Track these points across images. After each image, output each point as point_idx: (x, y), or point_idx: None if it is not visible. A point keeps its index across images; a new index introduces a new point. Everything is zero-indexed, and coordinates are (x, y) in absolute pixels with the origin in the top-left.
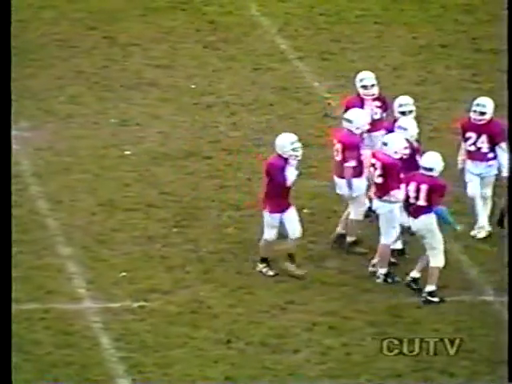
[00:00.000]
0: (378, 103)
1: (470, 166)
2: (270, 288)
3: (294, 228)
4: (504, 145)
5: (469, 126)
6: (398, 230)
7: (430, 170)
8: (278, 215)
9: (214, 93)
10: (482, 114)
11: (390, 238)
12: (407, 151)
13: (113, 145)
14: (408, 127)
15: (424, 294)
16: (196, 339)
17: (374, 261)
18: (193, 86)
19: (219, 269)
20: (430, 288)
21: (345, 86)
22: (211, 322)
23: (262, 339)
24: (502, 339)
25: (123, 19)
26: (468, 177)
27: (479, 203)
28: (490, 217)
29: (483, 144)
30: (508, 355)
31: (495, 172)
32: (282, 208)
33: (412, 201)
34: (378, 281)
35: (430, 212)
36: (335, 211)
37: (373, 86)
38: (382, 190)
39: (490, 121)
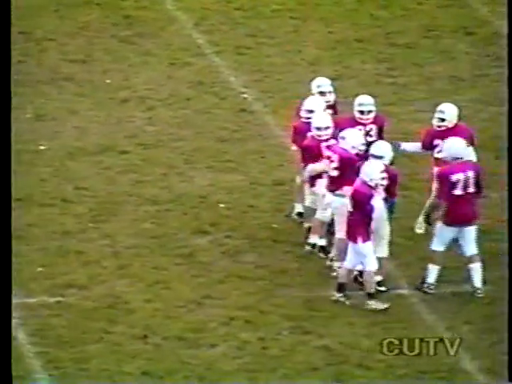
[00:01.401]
0: (329, 111)
1: None
2: (187, 283)
3: (373, 260)
4: (470, 148)
5: (435, 134)
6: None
7: (381, 158)
8: (371, 242)
9: (129, 87)
10: (442, 120)
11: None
12: (364, 147)
13: (29, 140)
14: (330, 125)
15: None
16: (112, 334)
17: (331, 255)
18: (108, 81)
19: (136, 264)
20: (377, 278)
21: (261, 81)
22: (128, 317)
23: (178, 334)
24: (417, 332)
25: (39, 14)
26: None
27: None
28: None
29: None
30: (508, 355)
31: None
32: (369, 236)
33: None
34: (335, 274)
35: (383, 201)
36: (251, 206)
37: (330, 92)
38: (336, 184)
39: (456, 126)
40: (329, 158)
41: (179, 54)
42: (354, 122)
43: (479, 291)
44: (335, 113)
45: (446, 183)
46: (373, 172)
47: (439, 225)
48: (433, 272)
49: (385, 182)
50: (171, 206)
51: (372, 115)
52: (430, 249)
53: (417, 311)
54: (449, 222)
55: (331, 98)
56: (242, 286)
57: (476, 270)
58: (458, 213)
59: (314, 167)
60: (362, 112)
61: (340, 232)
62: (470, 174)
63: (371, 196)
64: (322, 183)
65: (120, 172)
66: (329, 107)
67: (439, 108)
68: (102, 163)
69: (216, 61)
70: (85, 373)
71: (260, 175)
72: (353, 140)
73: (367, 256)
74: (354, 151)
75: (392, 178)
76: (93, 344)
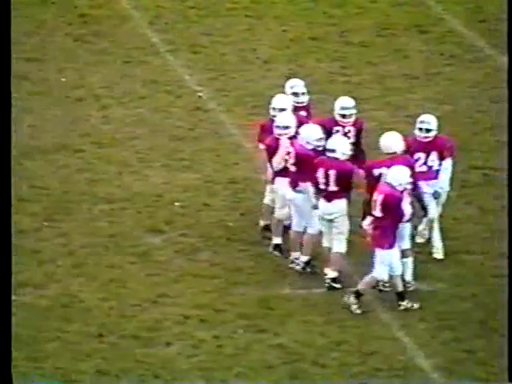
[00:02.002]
0: (303, 112)
1: (424, 187)
2: (142, 281)
3: (399, 264)
4: (449, 160)
5: (416, 147)
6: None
7: (333, 151)
8: (393, 250)
9: (84, 86)
10: (428, 131)
11: (314, 227)
12: (322, 143)
13: None
14: (290, 124)
15: (327, 281)
16: (68, 333)
17: (294, 253)
18: (63, 80)
19: (91, 262)
20: (332, 274)
21: (216, 79)
22: (83, 315)
23: (133, 332)
24: (372, 330)
25: None
26: (426, 199)
27: (436, 226)
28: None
29: (434, 162)
30: (508, 355)
31: (448, 188)
32: (394, 243)
33: (322, 187)
34: (297, 268)
35: (342, 197)
36: (206, 204)
37: (303, 94)
38: (295, 180)
39: (436, 137)
40: (289, 153)
41: (134, 53)
42: (334, 123)
43: (409, 285)
44: (309, 114)
45: (370, 177)
46: (401, 176)
47: None
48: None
49: (410, 186)
50: (126, 204)
51: (353, 118)
52: None
53: (372, 309)
54: None
55: (305, 99)
56: (197, 285)
57: (407, 264)
58: None
59: (276, 160)
60: (343, 115)
61: (311, 228)
62: None
63: (402, 200)
64: (281, 181)
65: (75, 171)
66: (302, 108)
67: (423, 119)
68: (57, 162)
69: (171, 59)
70: (40, 371)
71: (215, 173)
72: (307, 135)
73: (379, 264)
74: (309, 147)
75: (342, 173)
76: (48, 343)
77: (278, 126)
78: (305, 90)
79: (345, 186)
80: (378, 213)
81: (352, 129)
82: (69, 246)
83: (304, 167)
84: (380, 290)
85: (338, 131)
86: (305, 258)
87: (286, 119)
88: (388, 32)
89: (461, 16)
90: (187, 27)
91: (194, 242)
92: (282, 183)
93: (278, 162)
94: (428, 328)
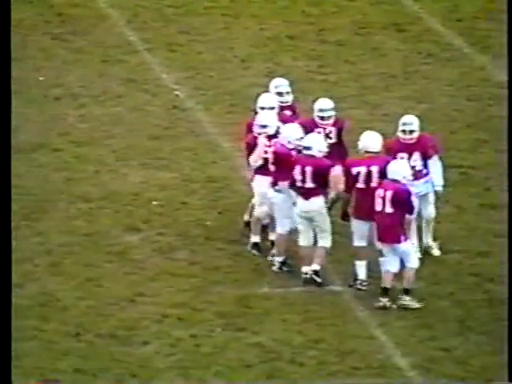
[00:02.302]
0: (288, 112)
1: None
2: (119, 280)
3: (416, 258)
4: (436, 157)
5: (399, 147)
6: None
7: (309, 148)
8: (409, 242)
9: (62, 85)
10: (412, 132)
11: (284, 227)
12: (301, 142)
13: None
14: (268, 123)
15: (310, 272)
16: (45, 332)
17: (273, 251)
18: (41, 78)
19: (68, 261)
20: (315, 267)
21: (193, 78)
22: (60, 314)
23: (111, 331)
24: (350, 328)
25: None
26: None
27: (414, 226)
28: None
29: (416, 162)
30: (508, 355)
31: (432, 188)
32: (407, 234)
33: (299, 184)
34: (274, 268)
35: (319, 194)
36: (184, 203)
37: (288, 93)
38: (275, 179)
39: (419, 137)
40: (266, 152)
41: (111, 52)
42: (315, 124)
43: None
44: (294, 113)
45: (348, 176)
46: (402, 170)
47: (352, 219)
48: (361, 268)
49: (412, 178)
50: (103, 203)
51: (332, 120)
52: (352, 245)
53: (349, 308)
54: (356, 216)
55: (289, 98)
56: (175, 284)
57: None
58: (362, 206)
59: (253, 158)
60: (322, 118)
61: (280, 228)
62: (374, 168)
63: (411, 193)
64: (261, 179)
65: (52, 169)
66: (287, 108)
67: (405, 120)
68: (34, 161)
69: (148, 58)
70: (18, 370)
71: (192, 172)
72: (288, 135)
73: (410, 254)
74: (290, 146)
75: (319, 170)
76: (26, 342)
77: (256, 125)
78: (289, 90)
79: (322, 182)
80: (388, 209)
81: (333, 129)
82: (46, 244)
83: (283, 166)
84: (358, 289)
85: (319, 132)
86: (280, 259)
87: (264, 118)
88: (365, 31)
89: (438, 15)
90: (164, 26)
91: (171, 241)
92: (262, 181)
93: (254, 160)
94: (405, 326)
